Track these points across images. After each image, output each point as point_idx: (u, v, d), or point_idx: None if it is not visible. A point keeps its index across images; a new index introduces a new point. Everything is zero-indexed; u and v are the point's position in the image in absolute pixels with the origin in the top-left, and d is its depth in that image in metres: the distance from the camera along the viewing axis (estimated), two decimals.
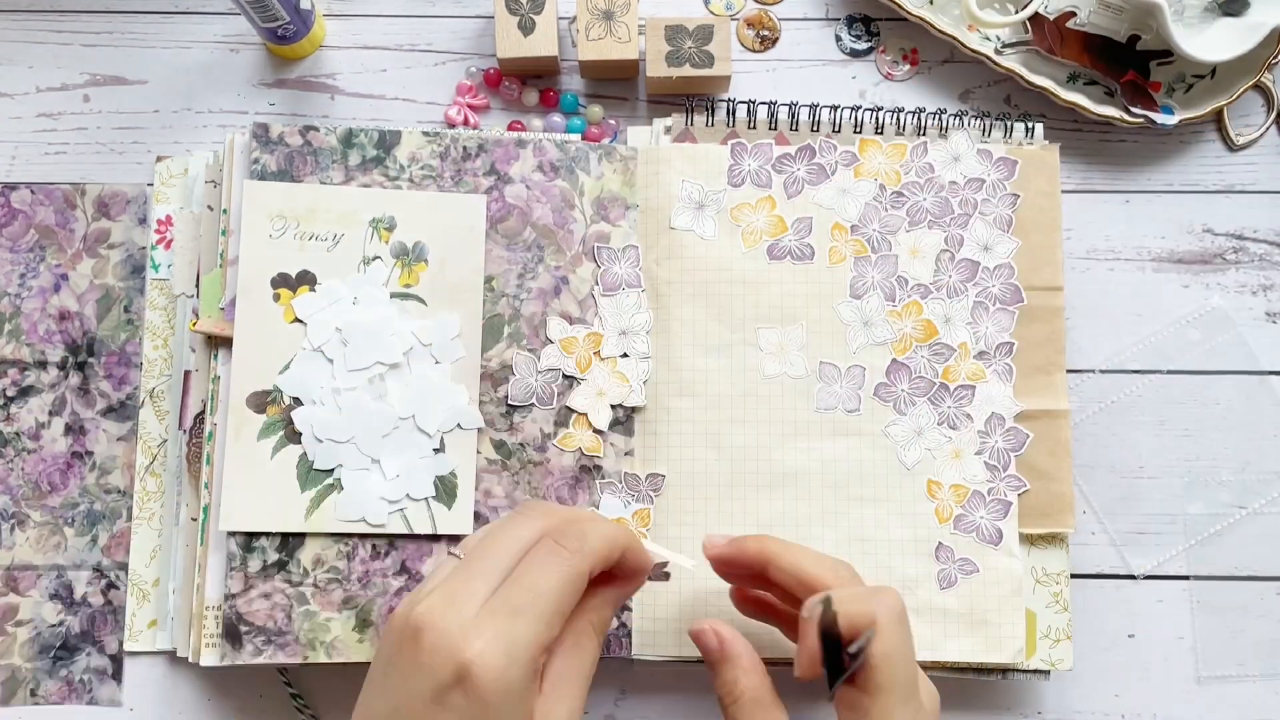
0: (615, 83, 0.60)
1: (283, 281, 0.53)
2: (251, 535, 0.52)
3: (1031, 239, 0.56)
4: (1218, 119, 0.61)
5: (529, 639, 0.38)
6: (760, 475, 0.54)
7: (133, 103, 0.60)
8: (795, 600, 0.45)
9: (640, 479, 0.54)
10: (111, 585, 0.56)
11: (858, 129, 0.57)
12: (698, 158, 0.56)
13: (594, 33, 0.57)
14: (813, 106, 0.57)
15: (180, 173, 0.58)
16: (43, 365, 0.57)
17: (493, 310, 0.55)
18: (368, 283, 0.54)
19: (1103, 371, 0.59)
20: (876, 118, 0.57)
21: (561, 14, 0.59)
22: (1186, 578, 0.58)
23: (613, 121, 0.60)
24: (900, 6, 0.59)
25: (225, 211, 0.54)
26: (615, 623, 0.54)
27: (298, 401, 0.53)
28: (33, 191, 0.58)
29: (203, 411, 0.54)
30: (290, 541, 0.52)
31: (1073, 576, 0.56)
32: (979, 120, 0.57)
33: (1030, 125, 0.57)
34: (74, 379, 0.57)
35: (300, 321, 0.53)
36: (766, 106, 0.57)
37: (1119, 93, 0.59)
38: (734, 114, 0.57)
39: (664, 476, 0.54)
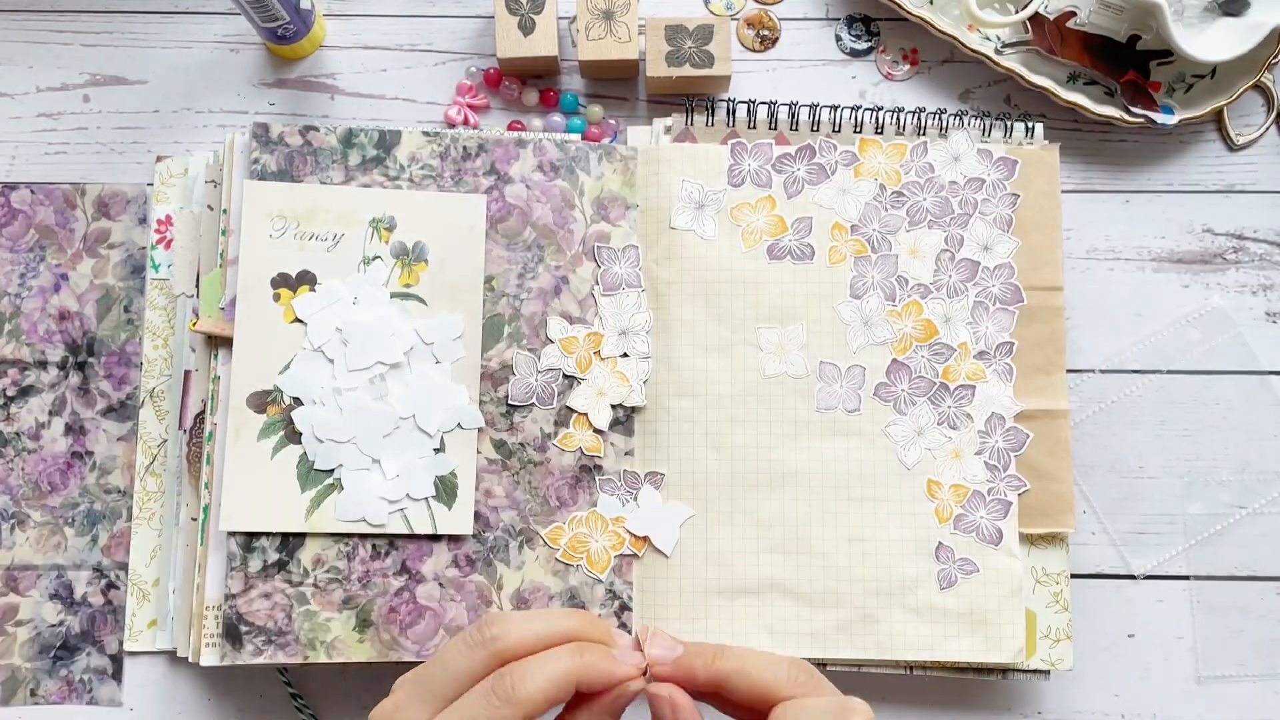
0: (615, 83, 0.60)
1: (283, 281, 0.53)
2: (251, 535, 0.52)
3: (1031, 239, 0.56)
4: (1218, 119, 0.61)
5: None
6: (760, 475, 0.55)
7: (133, 103, 0.60)
8: (757, 713, 0.42)
9: (640, 478, 0.54)
10: (111, 585, 0.56)
11: (858, 129, 0.57)
12: (698, 158, 0.56)
13: (594, 33, 0.57)
14: (813, 106, 0.57)
15: (180, 173, 0.58)
16: (43, 365, 0.57)
17: (493, 310, 0.55)
18: (368, 283, 0.54)
19: (1103, 371, 0.59)
20: (876, 118, 0.57)
21: (561, 14, 0.59)
22: (1186, 578, 0.58)
23: (613, 121, 0.60)
24: (900, 6, 0.59)
25: (225, 211, 0.54)
26: (615, 623, 0.54)
27: (298, 401, 0.53)
28: (33, 191, 0.58)
29: (203, 411, 0.54)
30: (290, 541, 0.52)
31: (1073, 576, 0.56)
32: (979, 120, 0.57)
33: (1030, 125, 0.57)
34: (74, 379, 0.57)
35: (300, 321, 0.53)
36: (766, 106, 0.57)
37: (1119, 93, 0.59)
38: (734, 114, 0.57)
39: (663, 475, 0.54)
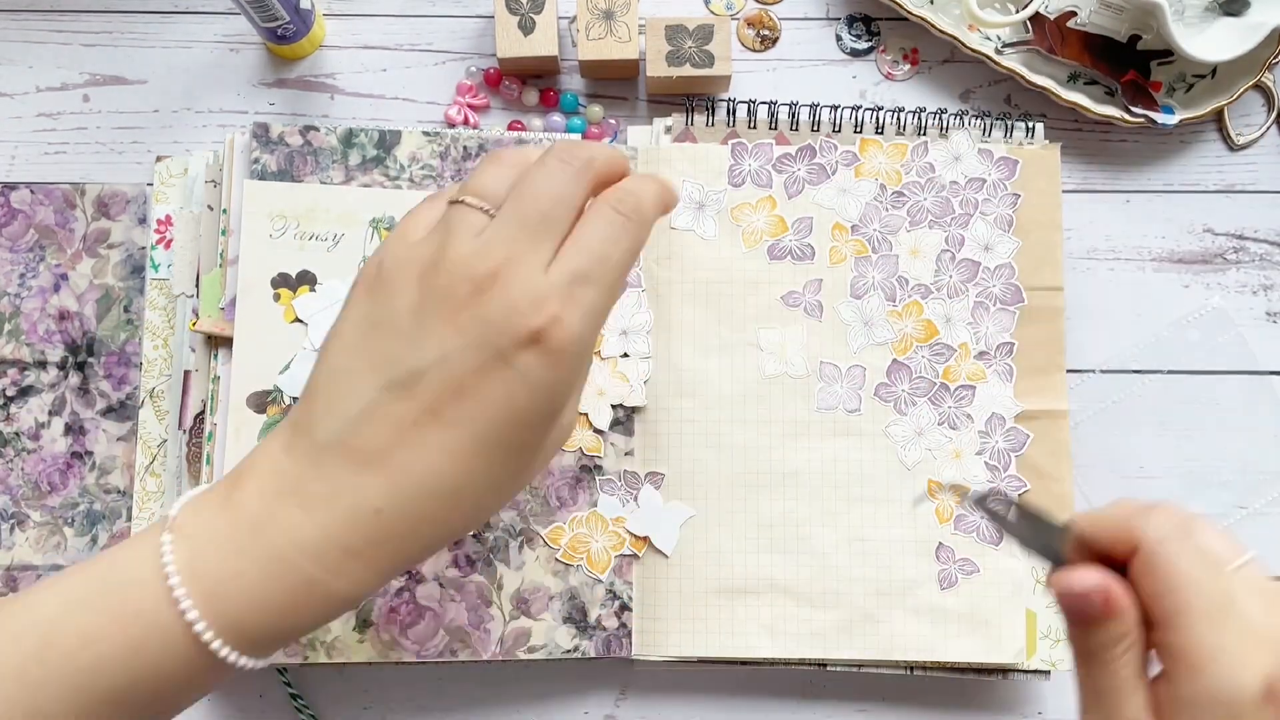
0: (615, 82, 0.60)
1: (283, 281, 0.53)
2: None
3: (1032, 239, 0.56)
4: (1218, 119, 0.61)
5: (601, 309, 0.37)
6: (760, 475, 0.54)
7: (133, 103, 0.60)
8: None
9: (640, 478, 0.54)
10: None
11: (858, 129, 0.57)
12: (698, 158, 0.56)
13: (594, 32, 0.57)
14: (813, 106, 0.57)
15: (180, 173, 0.58)
16: (43, 365, 0.57)
17: None
18: None
19: (1103, 371, 0.59)
20: (877, 117, 0.57)
21: (561, 14, 0.59)
22: None
23: (613, 121, 0.60)
24: (900, 6, 0.59)
25: (225, 211, 0.54)
26: (615, 623, 0.54)
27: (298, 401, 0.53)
28: (33, 191, 0.58)
29: (203, 411, 0.54)
30: None
31: None
32: (979, 120, 0.57)
33: (1030, 125, 0.57)
34: (74, 379, 0.57)
35: (300, 321, 0.53)
36: (767, 106, 0.57)
37: (1119, 93, 0.59)
38: (734, 114, 0.57)
39: (664, 475, 0.54)
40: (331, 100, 0.60)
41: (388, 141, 0.55)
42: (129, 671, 0.35)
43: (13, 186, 0.58)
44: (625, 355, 0.55)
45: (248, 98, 0.60)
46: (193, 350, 0.55)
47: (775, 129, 0.57)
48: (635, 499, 0.54)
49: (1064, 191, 0.59)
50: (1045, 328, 0.56)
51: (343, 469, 0.36)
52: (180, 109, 0.60)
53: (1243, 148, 0.61)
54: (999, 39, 0.60)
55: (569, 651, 0.53)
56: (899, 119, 0.57)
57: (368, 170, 0.55)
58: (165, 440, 0.56)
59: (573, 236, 0.37)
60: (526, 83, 0.60)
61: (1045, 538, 0.38)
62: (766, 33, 0.61)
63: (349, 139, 0.55)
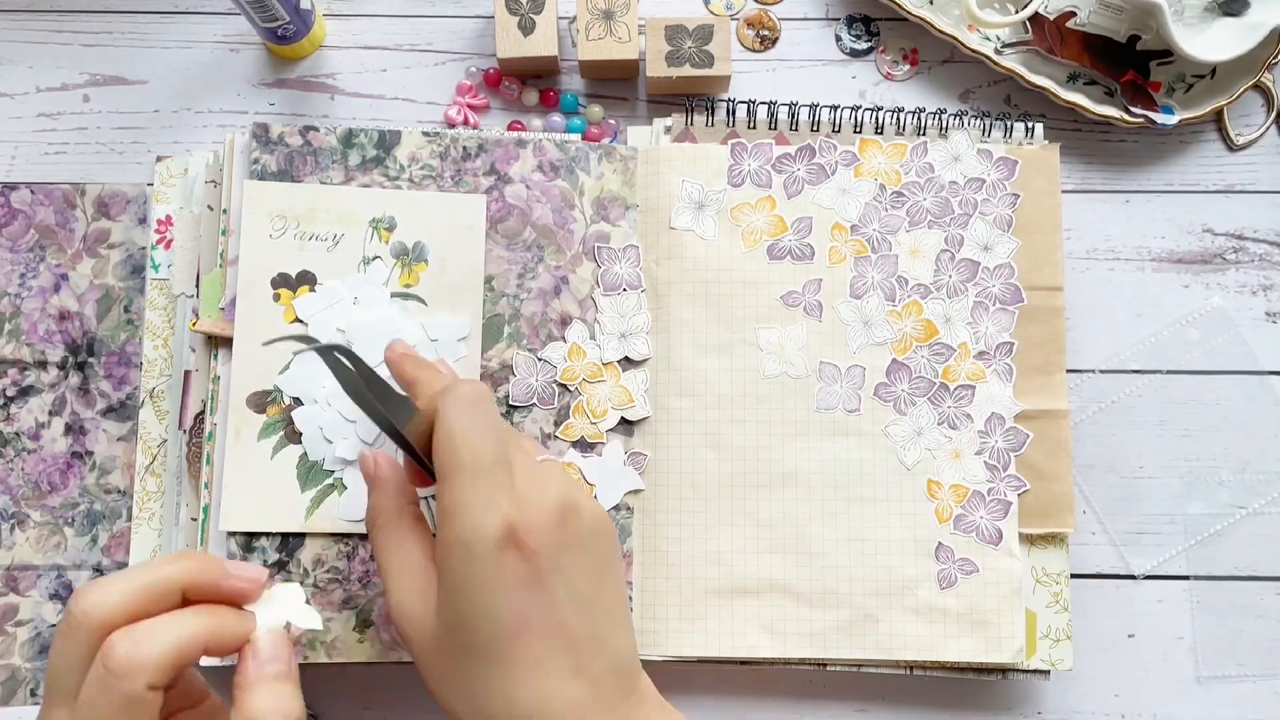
0: (615, 83, 0.60)
1: (283, 281, 0.53)
2: (252, 535, 0.52)
3: (1031, 239, 0.56)
4: (1218, 119, 0.61)
5: None
6: (760, 475, 0.55)
7: (133, 103, 0.60)
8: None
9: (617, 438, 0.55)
10: None
11: (858, 129, 0.57)
12: (698, 158, 0.56)
13: (594, 33, 0.57)
14: (813, 106, 0.57)
15: (180, 173, 0.58)
16: (43, 365, 0.57)
17: (493, 310, 0.55)
18: (368, 283, 0.54)
19: (1103, 371, 0.59)
20: (876, 118, 0.57)
21: (561, 14, 0.59)
22: (1186, 578, 0.58)
23: (613, 121, 0.60)
24: (900, 6, 0.59)
25: (225, 211, 0.54)
26: None
27: (298, 401, 0.53)
28: (33, 191, 0.58)
29: (203, 411, 0.54)
30: (290, 541, 0.52)
31: (1073, 576, 0.56)
32: (979, 120, 0.57)
33: (1030, 125, 0.57)
34: (74, 379, 0.57)
35: (300, 321, 0.53)
36: (766, 106, 0.57)
37: (1119, 93, 0.59)
38: (734, 114, 0.57)
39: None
40: (331, 100, 0.60)
41: (387, 142, 0.55)
42: None
43: (13, 186, 0.58)
44: (626, 359, 0.55)
45: (248, 98, 0.60)
46: (193, 350, 0.55)
47: (775, 129, 0.57)
48: (601, 451, 0.54)
49: (1063, 191, 0.59)
50: (1045, 328, 0.56)
51: None
52: (180, 109, 0.60)
53: (1242, 148, 0.61)
54: (998, 39, 0.60)
55: None
56: (898, 119, 0.57)
57: (367, 170, 0.55)
58: (165, 440, 0.56)
59: (77, 703, 0.36)
60: (526, 83, 0.60)
61: (390, 408, 0.43)
62: (766, 33, 0.61)
63: (349, 139, 0.55)
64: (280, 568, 0.52)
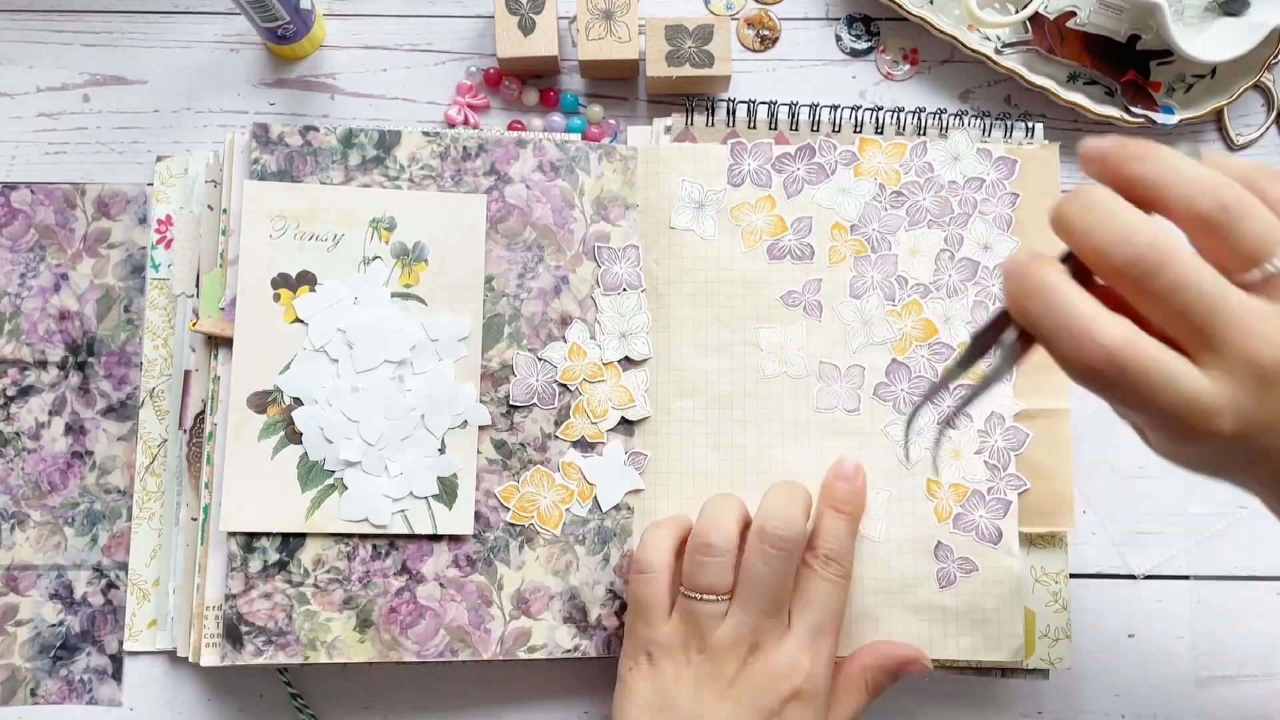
0: (615, 83, 0.60)
1: (283, 281, 0.53)
2: (252, 535, 0.52)
3: (1031, 239, 0.56)
4: (1218, 119, 0.61)
5: (834, 651, 0.50)
6: (760, 475, 0.55)
7: (133, 103, 0.60)
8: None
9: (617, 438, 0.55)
10: (111, 585, 0.56)
11: (858, 129, 0.57)
12: (698, 157, 0.56)
13: (594, 32, 0.57)
14: (813, 106, 0.57)
15: (180, 173, 0.58)
16: (43, 365, 0.57)
17: (493, 310, 0.55)
18: (368, 283, 0.54)
19: None
20: (876, 117, 0.57)
21: (561, 14, 0.59)
22: (1186, 578, 0.58)
23: (613, 121, 0.60)
24: (900, 6, 0.59)
25: (225, 211, 0.54)
26: (616, 622, 0.54)
27: (298, 401, 0.53)
28: (33, 191, 0.58)
29: (203, 411, 0.54)
30: (291, 541, 0.52)
31: (1072, 576, 0.56)
32: (979, 120, 0.57)
33: (1030, 125, 0.57)
34: (74, 379, 0.57)
35: (301, 321, 0.53)
36: (766, 106, 0.57)
37: (1119, 93, 0.59)
38: (734, 114, 0.57)
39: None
40: (331, 100, 0.60)
41: (387, 142, 0.55)
42: None
43: (13, 186, 0.58)
44: (627, 359, 0.55)
45: (248, 98, 0.60)
46: (193, 350, 0.55)
47: (775, 129, 0.57)
48: (601, 450, 0.54)
49: (1063, 191, 0.59)
50: None
51: None
52: (180, 109, 0.60)
53: (1243, 148, 0.61)
54: (999, 39, 0.60)
55: (569, 651, 0.53)
56: (898, 119, 0.57)
57: (367, 170, 0.55)
58: (165, 440, 0.56)
59: (802, 599, 0.49)
60: (526, 83, 0.60)
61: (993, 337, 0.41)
62: (766, 33, 0.61)
63: (349, 139, 0.55)
64: (280, 568, 0.52)
